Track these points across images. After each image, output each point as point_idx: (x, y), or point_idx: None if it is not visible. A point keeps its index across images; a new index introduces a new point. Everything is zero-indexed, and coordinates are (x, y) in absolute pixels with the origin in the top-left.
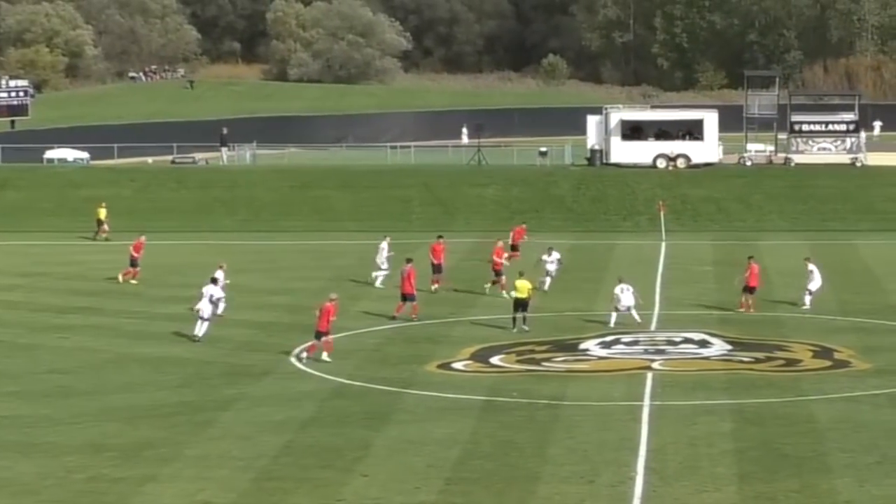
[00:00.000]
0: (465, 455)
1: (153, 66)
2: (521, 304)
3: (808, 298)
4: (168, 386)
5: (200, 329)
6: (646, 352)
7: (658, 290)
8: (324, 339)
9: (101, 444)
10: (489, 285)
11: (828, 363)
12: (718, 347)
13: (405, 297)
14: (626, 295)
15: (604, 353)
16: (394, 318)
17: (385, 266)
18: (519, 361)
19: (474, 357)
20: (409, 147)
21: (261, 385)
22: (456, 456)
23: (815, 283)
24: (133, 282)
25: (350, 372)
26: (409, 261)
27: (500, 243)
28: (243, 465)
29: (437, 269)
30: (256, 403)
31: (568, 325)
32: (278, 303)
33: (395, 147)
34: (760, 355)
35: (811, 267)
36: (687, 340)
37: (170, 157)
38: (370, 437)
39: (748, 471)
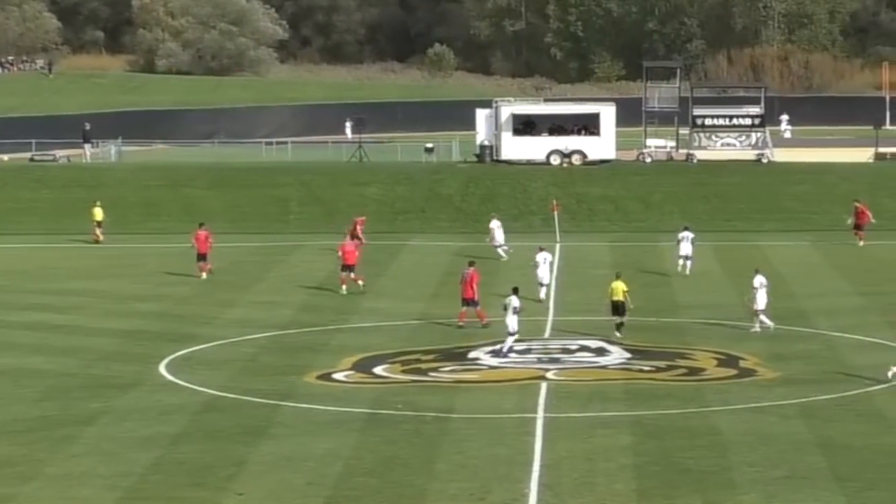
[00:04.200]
0: (348, 471)
1: (10, 57)
2: (617, 308)
3: None
4: (27, 399)
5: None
6: (539, 361)
7: (552, 294)
8: None
9: None
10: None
11: (733, 372)
12: (617, 356)
13: (466, 302)
14: (761, 293)
15: (495, 362)
16: (460, 326)
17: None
18: (404, 371)
19: (356, 367)
20: (285, 143)
21: (127, 398)
22: (337, 472)
23: None
24: (203, 276)
25: (223, 383)
26: (471, 264)
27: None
28: (108, 484)
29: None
30: (122, 417)
31: (457, 333)
32: (146, 310)
33: (270, 143)
34: (661, 364)
35: None
36: (583, 348)
37: (28, 155)
38: (245, 453)
39: (648, 487)
